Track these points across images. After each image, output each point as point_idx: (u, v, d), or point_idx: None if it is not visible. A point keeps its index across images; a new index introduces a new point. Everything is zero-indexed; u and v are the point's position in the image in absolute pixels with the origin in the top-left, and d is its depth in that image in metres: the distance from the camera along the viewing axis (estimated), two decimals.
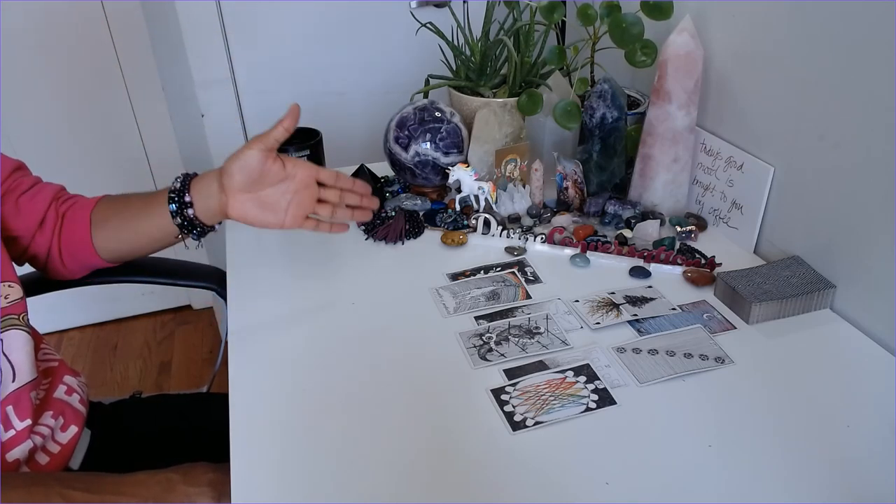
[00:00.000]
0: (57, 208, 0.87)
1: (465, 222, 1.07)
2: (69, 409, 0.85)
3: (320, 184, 0.85)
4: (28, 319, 0.80)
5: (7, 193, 0.85)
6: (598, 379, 0.76)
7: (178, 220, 0.84)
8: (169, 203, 0.83)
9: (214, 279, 1.05)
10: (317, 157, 1.11)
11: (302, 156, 1.09)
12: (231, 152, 0.81)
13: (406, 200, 1.11)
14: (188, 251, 0.90)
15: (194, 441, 0.96)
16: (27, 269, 0.92)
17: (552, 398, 0.73)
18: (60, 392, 0.86)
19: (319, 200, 0.85)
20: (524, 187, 1.12)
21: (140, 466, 0.76)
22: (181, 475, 0.75)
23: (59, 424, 0.83)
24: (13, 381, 0.76)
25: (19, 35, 1.74)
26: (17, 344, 0.77)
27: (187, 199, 0.83)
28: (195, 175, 0.85)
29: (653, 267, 0.95)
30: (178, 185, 0.84)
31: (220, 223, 0.88)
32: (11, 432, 0.76)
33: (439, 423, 0.71)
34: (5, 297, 0.77)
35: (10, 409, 0.75)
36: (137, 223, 0.87)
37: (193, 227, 0.85)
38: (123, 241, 0.89)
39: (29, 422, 0.77)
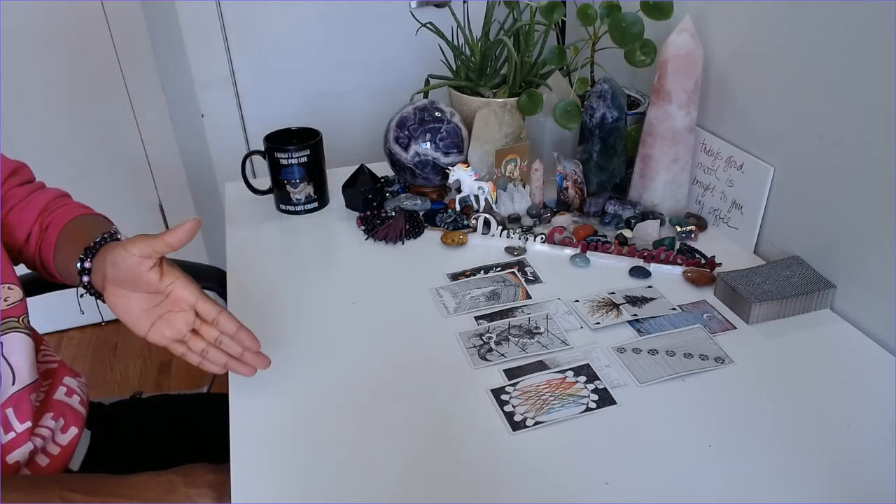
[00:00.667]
0: (42, 222, 0.84)
1: (465, 222, 1.07)
2: (69, 410, 0.85)
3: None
4: (29, 321, 0.80)
5: (4, 202, 0.84)
6: (598, 379, 0.76)
7: (82, 284, 0.76)
8: (78, 260, 0.75)
9: (214, 279, 1.05)
10: (316, 157, 1.11)
11: (301, 156, 1.09)
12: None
13: (406, 200, 1.11)
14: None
15: (194, 441, 0.96)
16: (25, 269, 0.92)
17: (552, 398, 0.73)
18: (60, 394, 0.86)
19: (195, 331, 0.72)
20: (524, 187, 1.12)
21: (140, 467, 0.76)
22: (182, 476, 0.75)
23: (59, 426, 0.83)
24: (13, 383, 0.76)
25: (19, 35, 1.74)
26: (17, 346, 0.77)
27: (87, 265, 0.75)
28: (116, 240, 0.75)
29: (653, 267, 0.95)
30: (95, 243, 0.74)
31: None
32: (11, 434, 0.76)
33: (439, 423, 0.71)
34: (5, 300, 0.77)
35: (9, 411, 0.75)
36: (69, 266, 0.78)
37: (97, 294, 0.76)
38: (62, 274, 0.82)
39: (29, 424, 0.77)
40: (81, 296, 0.79)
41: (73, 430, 0.84)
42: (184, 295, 0.70)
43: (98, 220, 0.85)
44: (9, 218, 0.84)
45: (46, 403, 0.83)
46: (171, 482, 0.74)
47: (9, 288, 0.78)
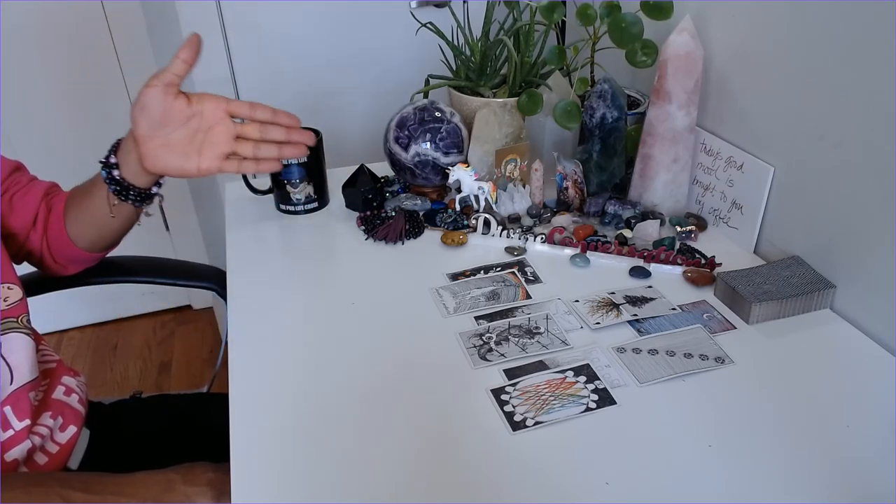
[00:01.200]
0: (47, 204, 0.88)
1: (465, 222, 1.07)
2: (68, 409, 0.85)
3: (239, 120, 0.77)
4: (29, 320, 0.80)
5: (4, 193, 0.85)
6: (598, 379, 0.76)
7: (111, 185, 0.80)
8: (102, 169, 0.81)
9: (214, 279, 1.05)
10: (317, 158, 1.11)
11: (302, 156, 1.09)
12: None
13: (406, 200, 1.11)
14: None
15: (194, 441, 0.96)
16: (27, 268, 0.93)
17: (552, 398, 0.73)
18: (59, 393, 0.86)
19: (239, 137, 0.77)
20: (524, 187, 1.12)
21: (139, 467, 0.76)
22: (181, 475, 0.75)
23: (57, 424, 0.83)
24: (11, 383, 0.76)
25: (19, 35, 1.74)
26: (16, 346, 0.77)
27: (113, 160, 0.79)
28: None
29: (653, 267, 0.95)
30: (109, 149, 0.80)
31: (158, 186, 0.84)
32: (10, 432, 0.76)
33: (439, 423, 0.71)
34: (4, 300, 0.77)
35: (8, 409, 0.75)
36: (89, 200, 0.85)
37: (127, 191, 0.81)
38: (85, 223, 0.87)
39: (28, 422, 0.77)
40: (114, 205, 0.83)
41: (72, 429, 0.84)
42: (214, 103, 0.75)
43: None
44: (13, 201, 0.85)
45: (45, 403, 0.83)
46: (170, 480, 0.74)
47: (8, 288, 0.78)
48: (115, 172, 0.79)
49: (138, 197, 0.83)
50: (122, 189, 0.81)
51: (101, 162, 0.81)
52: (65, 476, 0.79)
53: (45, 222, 0.87)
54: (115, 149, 0.81)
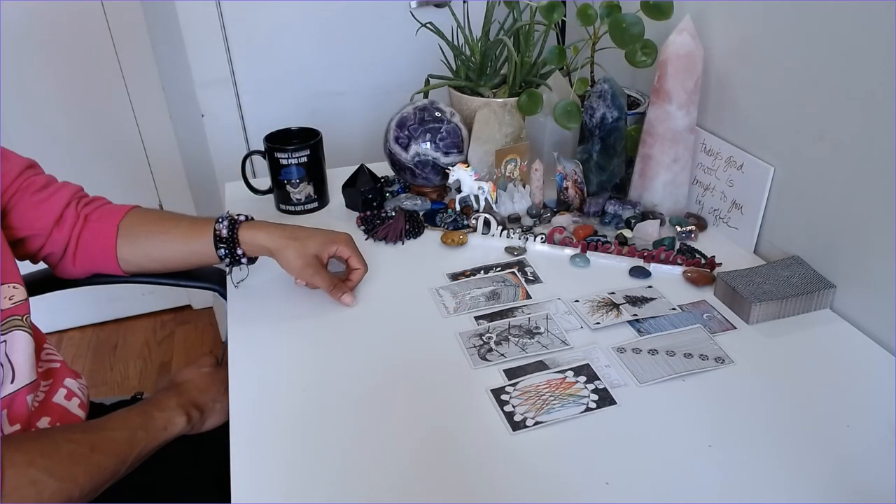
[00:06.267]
0: (77, 208, 0.88)
1: (465, 222, 1.07)
2: (68, 415, 0.85)
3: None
4: (30, 320, 0.80)
5: (21, 190, 0.85)
6: (598, 379, 0.76)
7: (229, 260, 0.89)
8: (217, 248, 0.88)
9: (214, 279, 1.05)
10: (316, 157, 1.11)
11: (301, 156, 1.09)
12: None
13: (406, 200, 1.11)
14: None
15: (194, 441, 0.96)
16: (28, 268, 0.92)
17: (552, 398, 0.73)
18: (60, 396, 0.85)
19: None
20: (524, 187, 1.12)
21: (139, 468, 0.76)
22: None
23: None
24: (11, 382, 0.76)
25: (19, 34, 1.74)
26: (20, 345, 0.77)
27: (239, 251, 0.88)
28: (238, 222, 0.88)
29: (653, 267, 0.95)
30: (226, 232, 0.87)
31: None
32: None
33: (439, 423, 0.71)
34: (9, 299, 0.77)
35: (4, 413, 0.75)
36: (176, 249, 0.90)
37: (241, 264, 0.91)
38: (155, 261, 0.91)
39: (18, 427, 0.76)
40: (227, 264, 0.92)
41: None
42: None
43: (162, 214, 0.97)
44: (36, 199, 0.85)
45: (45, 406, 0.83)
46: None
47: (13, 287, 0.78)
48: (244, 260, 0.89)
49: (241, 261, 0.91)
50: (238, 262, 0.90)
51: (219, 244, 0.88)
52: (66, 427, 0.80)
53: (77, 228, 0.88)
54: (236, 238, 0.87)
